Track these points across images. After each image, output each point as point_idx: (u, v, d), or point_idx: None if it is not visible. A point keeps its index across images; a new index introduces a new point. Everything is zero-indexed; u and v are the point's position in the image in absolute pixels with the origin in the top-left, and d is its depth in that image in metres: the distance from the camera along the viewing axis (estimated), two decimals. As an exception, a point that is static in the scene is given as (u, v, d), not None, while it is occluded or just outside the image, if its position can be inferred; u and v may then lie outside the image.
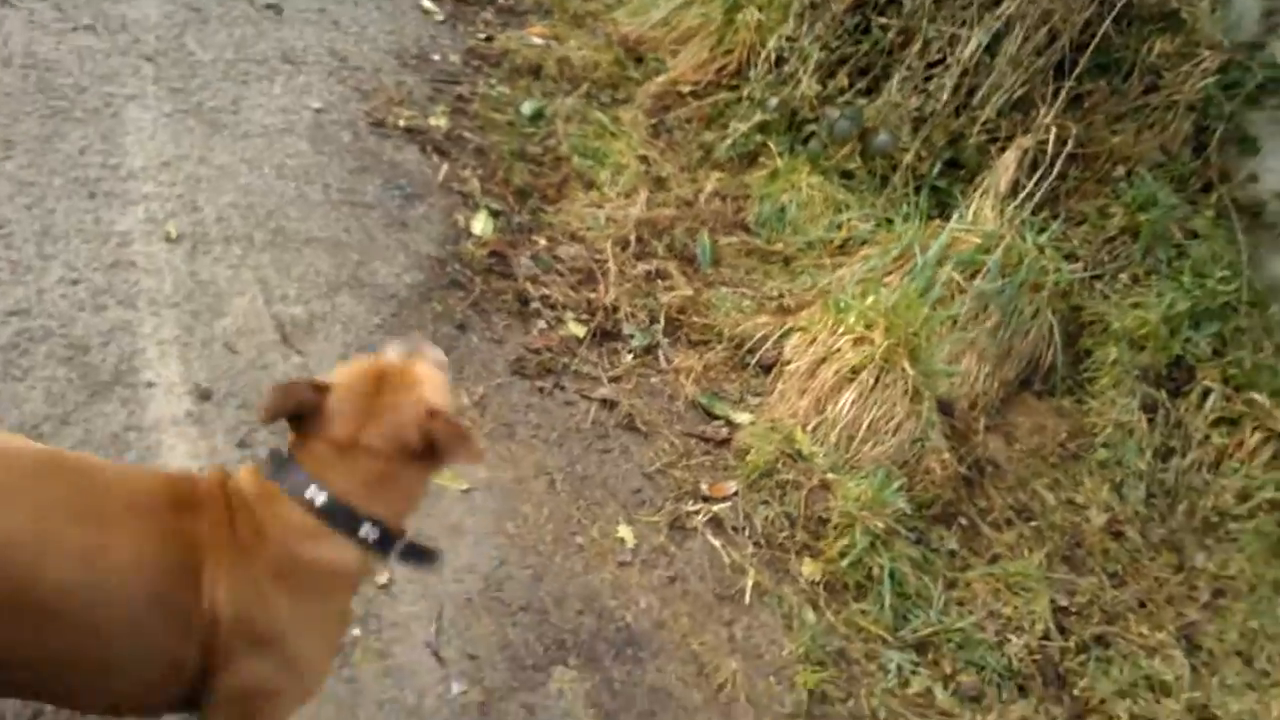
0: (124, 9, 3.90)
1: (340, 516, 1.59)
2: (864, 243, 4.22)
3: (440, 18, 4.96)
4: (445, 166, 3.99)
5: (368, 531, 1.61)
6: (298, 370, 2.92)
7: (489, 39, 4.94)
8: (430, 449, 1.63)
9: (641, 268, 3.93)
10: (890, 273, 4.01)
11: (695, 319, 3.77)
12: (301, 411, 1.63)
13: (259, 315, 3.03)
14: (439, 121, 4.22)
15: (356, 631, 2.43)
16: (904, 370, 3.48)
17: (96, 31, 3.73)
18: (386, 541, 1.63)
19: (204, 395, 2.72)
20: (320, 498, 1.58)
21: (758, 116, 4.66)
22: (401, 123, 4.11)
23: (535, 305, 3.59)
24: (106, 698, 1.59)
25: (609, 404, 3.33)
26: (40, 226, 2.91)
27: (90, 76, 3.54)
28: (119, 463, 1.90)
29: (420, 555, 1.72)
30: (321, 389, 1.63)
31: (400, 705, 2.34)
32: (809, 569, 3.03)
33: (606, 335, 3.59)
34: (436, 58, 4.64)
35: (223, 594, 1.51)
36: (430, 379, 1.71)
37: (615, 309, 3.69)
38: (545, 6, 5.36)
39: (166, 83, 3.70)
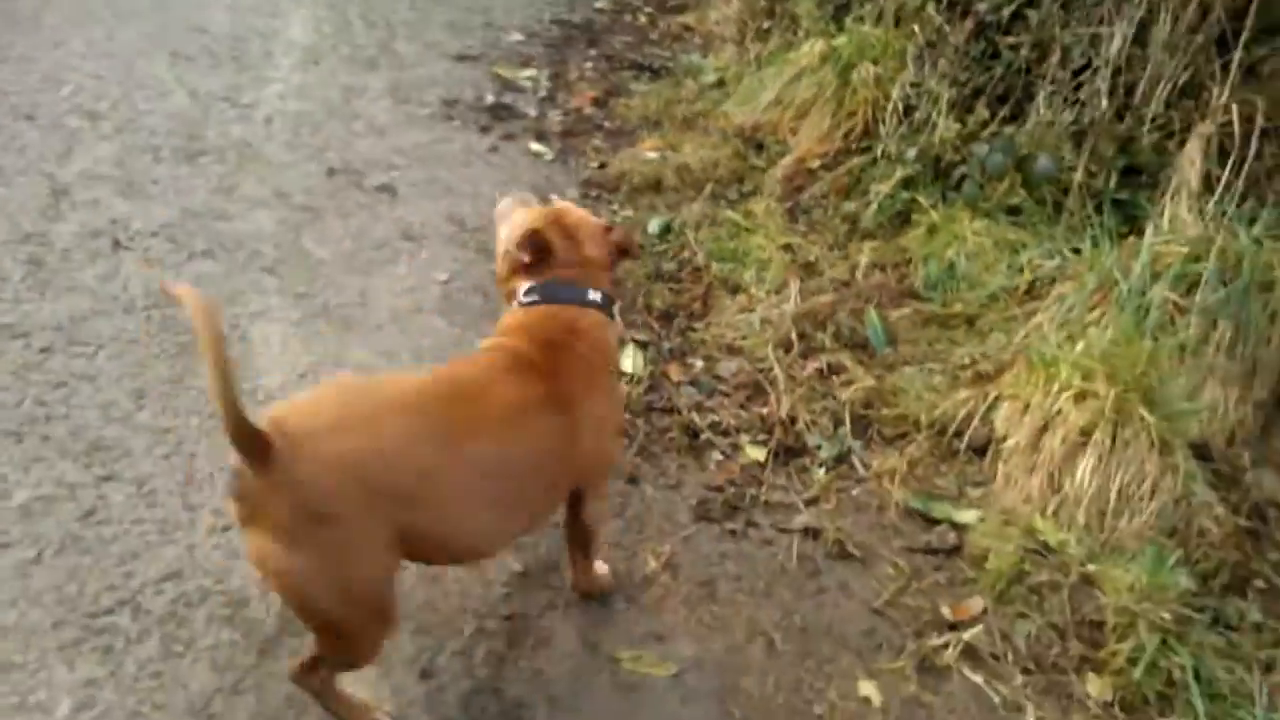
0: (237, 225, 3.87)
1: (605, 303, 2.34)
2: (1053, 281, 3.73)
3: (550, 157, 4.81)
4: (582, 308, 3.75)
5: (611, 309, 2.38)
6: (468, 574, 2.65)
7: (602, 165, 4.75)
8: (617, 249, 2.45)
9: (811, 366, 3.56)
10: (1094, 308, 3.50)
11: (885, 411, 3.36)
12: (540, 254, 2.31)
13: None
14: (567, 263, 4.00)
15: None
16: (1142, 420, 2.96)
17: (214, 255, 3.69)
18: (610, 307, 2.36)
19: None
20: (597, 296, 2.33)
21: (899, 173, 4.28)
22: (529, 273, 3.91)
23: (706, 436, 3.26)
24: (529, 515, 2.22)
25: (812, 533, 2.93)
26: (182, 475, 2.77)
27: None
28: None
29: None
30: (542, 234, 2.31)
31: None
32: (1096, 688, 2.52)
33: (790, 452, 3.22)
34: (554, 197, 4.45)
35: (583, 411, 2.17)
36: (579, 211, 2.45)
37: (793, 420, 3.32)
38: (653, 119, 5.16)
39: (290, 291, 3.61)
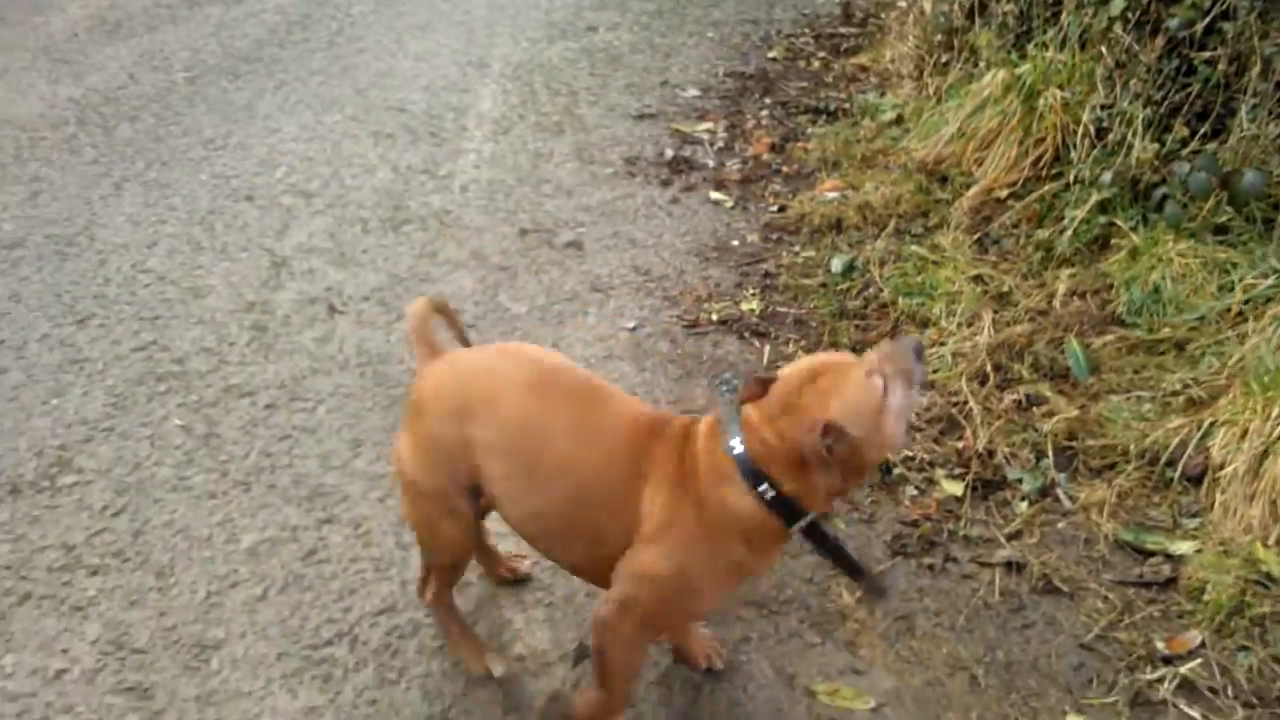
0: (440, 287, 4.10)
1: (745, 468, 1.90)
2: (1268, 301, 3.49)
3: (730, 204, 4.89)
4: (767, 348, 3.78)
5: (765, 489, 1.89)
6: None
7: (782, 209, 4.78)
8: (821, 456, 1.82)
9: (1009, 399, 3.44)
10: (1314, 325, 3.27)
11: (1090, 442, 3.21)
12: (753, 398, 1.95)
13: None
14: (751, 305, 4.04)
15: None
16: (1374, 439, 2.73)
17: (420, 316, 3.92)
18: (787, 508, 1.90)
19: (583, 652, 2.55)
20: (737, 449, 1.91)
21: (1094, 197, 4.12)
22: (714, 317, 3.97)
23: (899, 471, 3.20)
24: (582, 559, 2.15)
25: (1015, 567, 2.83)
26: (394, 518, 2.94)
27: (422, 359, 3.68)
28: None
29: (824, 541, 2.02)
30: (768, 382, 1.95)
31: None
32: (1333, 725, 2.32)
33: (989, 486, 3.12)
34: (735, 243, 4.53)
35: (654, 504, 1.99)
36: (853, 390, 1.84)
37: (991, 454, 3.22)
38: (831, 160, 5.17)
39: (489, 342, 3.78)
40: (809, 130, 5.60)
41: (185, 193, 4.62)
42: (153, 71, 5.77)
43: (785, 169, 5.21)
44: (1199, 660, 2.48)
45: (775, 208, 4.82)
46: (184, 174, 4.78)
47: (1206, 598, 2.62)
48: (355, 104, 5.68)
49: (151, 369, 3.49)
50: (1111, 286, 3.87)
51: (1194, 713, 2.37)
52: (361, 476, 3.11)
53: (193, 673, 2.45)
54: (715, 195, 4.97)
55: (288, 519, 2.93)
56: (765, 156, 5.34)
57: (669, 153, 5.39)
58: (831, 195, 4.79)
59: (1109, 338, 3.65)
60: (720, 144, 5.51)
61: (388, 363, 3.64)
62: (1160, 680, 2.44)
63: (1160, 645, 2.54)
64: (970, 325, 3.79)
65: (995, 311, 3.84)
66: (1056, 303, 3.87)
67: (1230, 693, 2.41)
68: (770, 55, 6.87)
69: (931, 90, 5.52)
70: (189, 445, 3.17)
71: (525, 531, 2.20)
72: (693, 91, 6.22)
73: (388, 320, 3.87)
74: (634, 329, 3.92)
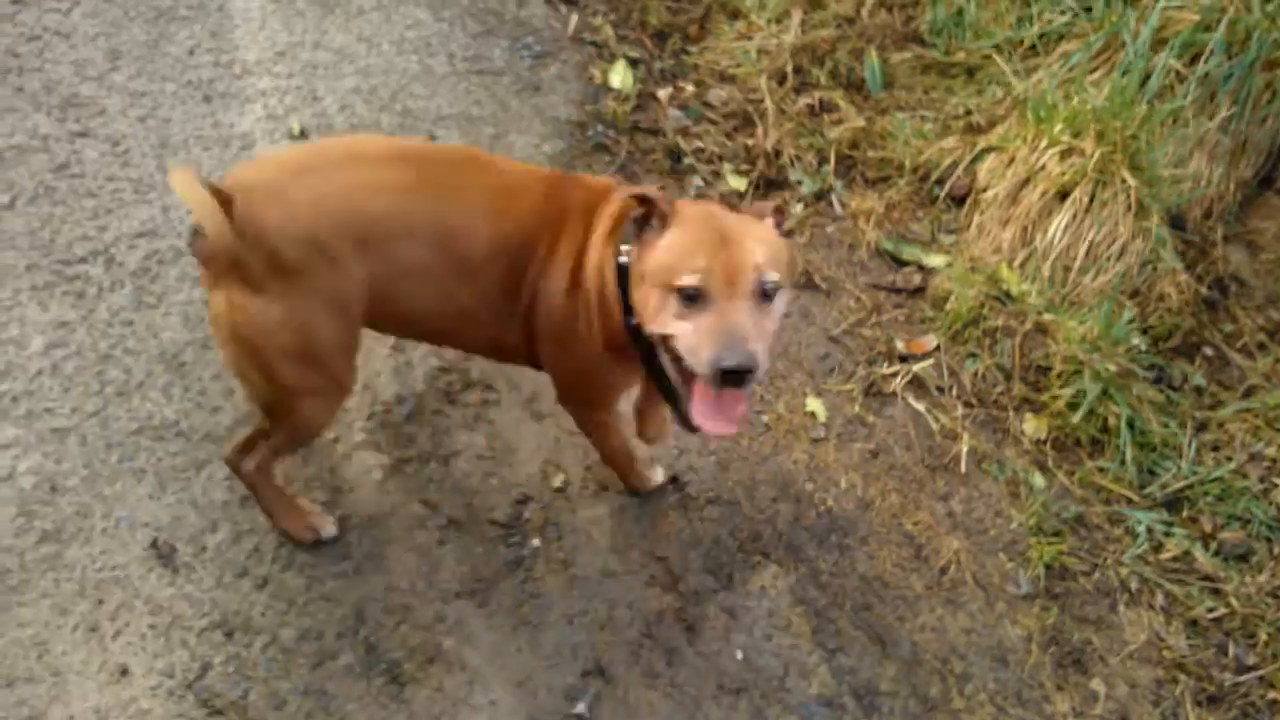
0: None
1: (623, 273, 1.89)
2: (1060, 38, 3.62)
3: None
4: (574, 17, 3.62)
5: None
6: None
7: None
8: None
9: (803, 102, 3.49)
10: (1095, 69, 3.42)
11: (870, 153, 3.33)
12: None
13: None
14: (562, -33, 3.83)
15: (536, 542, 2.25)
16: (1124, 182, 2.97)
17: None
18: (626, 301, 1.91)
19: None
20: (624, 259, 1.88)
21: (918, -93, 4.05)
22: (523, -25, 3.74)
23: (689, 160, 3.23)
24: (472, 342, 2.11)
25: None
26: (157, 139, 2.73)
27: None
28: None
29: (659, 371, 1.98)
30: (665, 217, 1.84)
31: (592, 618, 2.15)
32: (1032, 427, 2.65)
33: (771, 185, 3.22)
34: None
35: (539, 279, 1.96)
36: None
37: (778, 153, 3.29)
38: None
39: None
40: None
41: None
42: None
43: None
44: (931, 362, 2.74)
45: None
46: None
47: (948, 307, 2.86)
48: None
49: None
50: (919, 2, 3.89)
51: (920, 406, 2.65)
52: (120, 91, 2.84)
53: (-78, 278, 2.28)
54: None
55: (37, 127, 2.67)
56: None
57: None
58: None
59: (907, 55, 3.71)
60: None
61: (154, -34, 3.25)
62: (895, 375, 2.70)
63: (900, 345, 2.79)
64: (779, 23, 3.75)
65: (805, 13, 3.80)
66: (864, 12, 3.86)
67: (954, 392, 2.69)
68: None
69: None
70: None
71: (435, 328, 2.07)
72: None
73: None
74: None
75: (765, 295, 1.77)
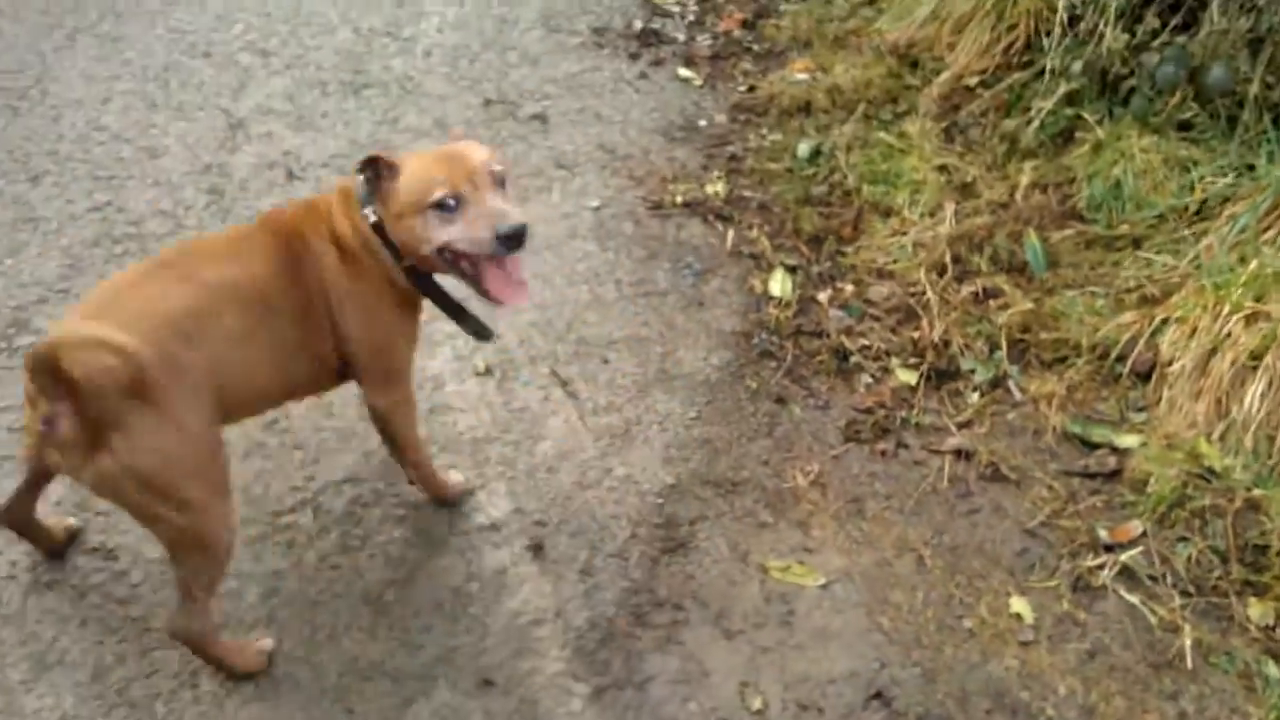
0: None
1: (379, 231, 2.24)
2: (1225, 200, 3.54)
3: (699, 82, 4.80)
4: (731, 232, 3.77)
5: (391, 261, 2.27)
6: (623, 483, 2.76)
7: (751, 89, 4.71)
8: None
9: (966, 290, 3.49)
10: (1267, 228, 3.32)
11: (1043, 335, 3.28)
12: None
13: (576, 433, 2.91)
14: (716, 188, 4.02)
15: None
16: (1317, 342, 2.82)
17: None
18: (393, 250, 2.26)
19: (540, 526, 2.61)
20: (371, 218, 2.24)
21: (1063, 88, 4.10)
22: (679, 199, 3.95)
23: (856, 359, 3.26)
24: (307, 373, 2.32)
25: (964, 455, 2.91)
26: (356, 389, 2.94)
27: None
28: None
29: (441, 296, 2.38)
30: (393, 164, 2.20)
31: None
32: (1258, 612, 2.45)
33: (943, 376, 3.19)
34: (703, 123, 4.47)
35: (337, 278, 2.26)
36: (421, 174, 2.19)
37: (946, 344, 3.28)
38: (803, 40, 5.07)
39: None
40: (782, 7, 5.48)
41: (140, 47, 4.44)
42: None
43: (756, 47, 5.12)
44: (1140, 549, 2.59)
45: (744, 87, 4.74)
46: (139, 28, 4.58)
47: (1150, 490, 2.73)
48: (313, -42, 5.45)
49: (107, 230, 3.41)
50: (1074, 180, 3.89)
51: (1133, 599, 2.50)
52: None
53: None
54: (684, 72, 4.88)
55: (249, 388, 2.92)
56: (736, 33, 5.23)
57: (638, 24, 5.26)
58: (802, 76, 4.72)
59: (1068, 232, 3.69)
60: (691, 18, 5.38)
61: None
62: (1101, 567, 2.56)
63: (1103, 534, 2.66)
64: (932, 215, 3.81)
65: (958, 202, 3.86)
66: (1018, 195, 3.88)
67: (1169, 581, 2.53)
68: (745, -74, 6.67)
69: (908, -30, 5.41)
70: (146, 310, 3.13)
71: (278, 380, 2.29)
72: (663, -39, 6.03)
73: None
74: (598, 208, 3.89)
75: (500, 183, 2.20)
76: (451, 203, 2.13)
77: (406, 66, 4.65)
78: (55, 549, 2.44)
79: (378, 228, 2.23)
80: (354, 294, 2.27)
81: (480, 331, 2.43)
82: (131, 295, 2.06)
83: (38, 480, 2.30)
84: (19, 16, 4.56)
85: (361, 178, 2.24)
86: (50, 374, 1.83)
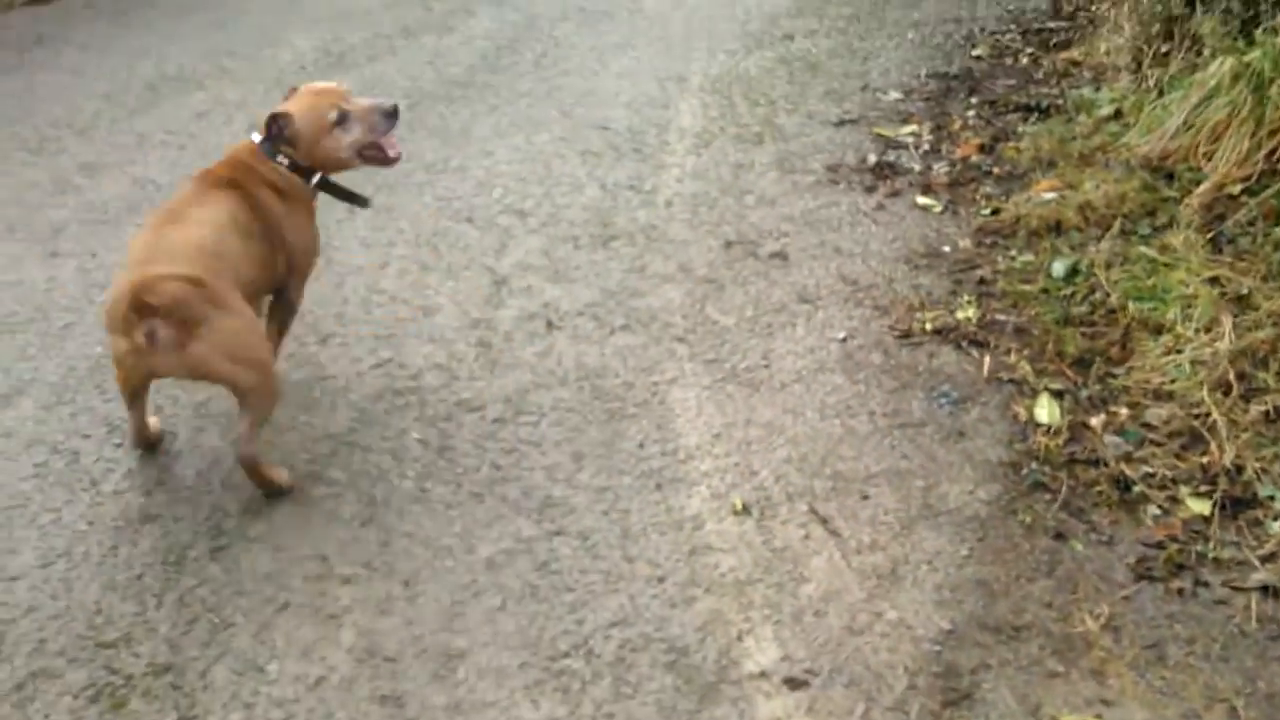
0: (649, 300, 4.17)
1: (296, 168, 3.33)
2: None
3: (939, 208, 4.78)
4: (988, 358, 3.67)
5: (281, 160, 3.31)
6: (895, 628, 2.66)
7: (995, 212, 4.64)
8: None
9: (1255, 410, 3.24)
10: None
11: (1354, 456, 2.98)
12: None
13: (840, 573, 2.85)
14: (967, 313, 3.93)
15: None
16: None
17: (631, 329, 4.00)
18: (306, 173, 3.34)
19: (811, 675, 2.55)
20: (285, 161, 3.30)
21: (1342, 191, 3.82)
22: (928, 326, 3.89)
23: (1139, 489, 3.05)
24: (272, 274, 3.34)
25: (1272, 591, 2.65)
26: (620, 529, 3.01)
27: (634, 371, 3.76)
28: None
29: (331, 186, 3.44)
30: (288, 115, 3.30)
31: None
32: None
33: (1239, 504, 2.94)
34: (947, 249, 4.42)
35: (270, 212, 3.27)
36: (311, 106, 3.33)
37: (1240, 469, 3.03)
38: (1046, 159, 4.97)
39: (700, 357, 3.83)
40: (1020, 129, 5.41)
41: (411, 215, 4.87)
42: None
43: (996, 170, 5.05)
44: None
45: (988, 211, 4.67)
46: (409, 197, 5.03)
47: None
48: (562, 124, 5.85)
49: (389, 385, 3.69)
50: (1368, 287, 3.58)
51: None
52: (585, 489, 3.20)
53: (441, 681, 2.58)
54: (922, 200, 4.87)
55: (520, 530, 3.05)
56: (974, 158, 5.19)
57: (872, 158, 5.31)
58: (1048, 196, 4.61)
59: (1370, 343, 3.38)
60: (926, 147, 5.39)
61: (604, 377, 3.73)
62: None
63: None
64: (1209, 331, 3.58)
65: (1235, 315, 3.61)
66: (1305, 305, 3.60)
67: None
68: (974, 54, 6.68)
69: (1152, 82, 5.25)
70: (426, 458, 3.34)
71: (263, 279, 3.31)
72: (894, 95, 6.11)
73: (602, 335, 3.97)
74: (844, 340, 3.88)
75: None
76: (342, 115, 3.27)
77: (650, 216, 4.86)
78: (154, 445, 3.39)
79: (292, 166, 3.28)
80: (289, 215, 3.29)
81: (361, 200, 3.54)
82: (162, 244, 2.97)
83: (138, 398, 3.19)
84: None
85: (259, 138, 3.28)
86: (139, 307, 2.75)
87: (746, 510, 3.11)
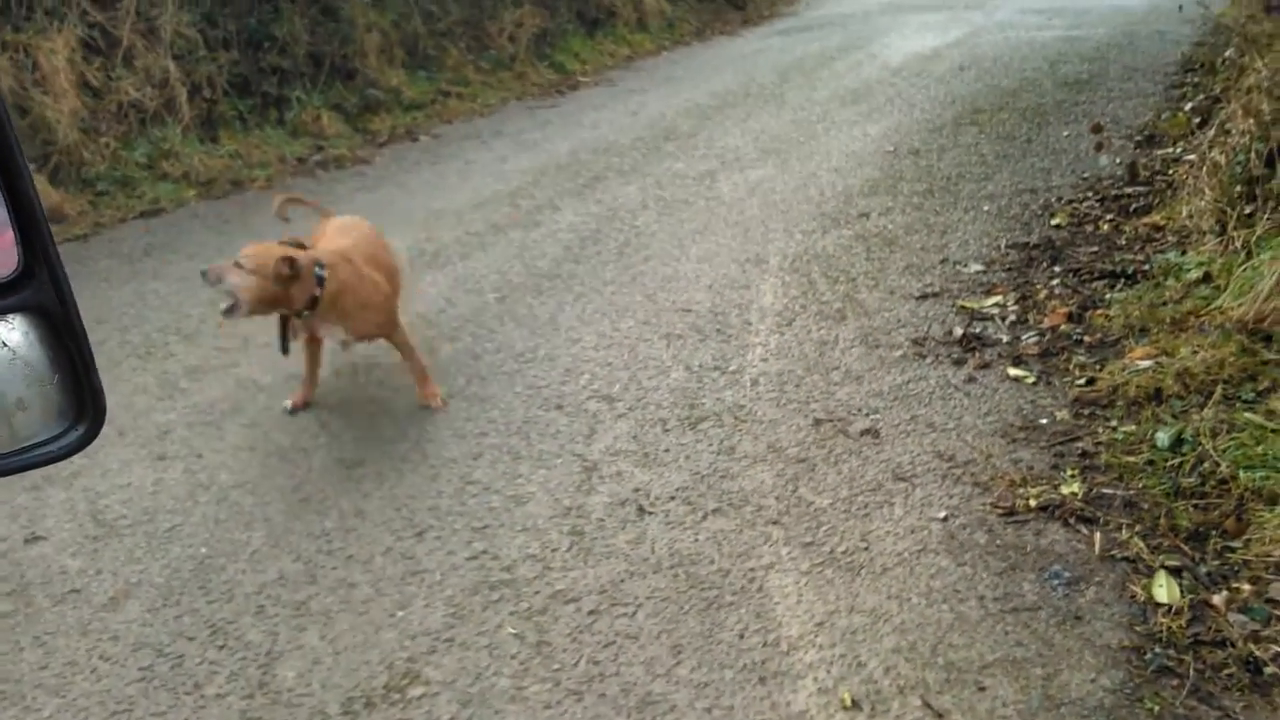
0: (741, 482, 4.15)
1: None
2: None
3: (1032, 379, 4.72)
4: (1098, 535, 3.54)
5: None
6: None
7: (1091, 382, 4.57)
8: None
9: (1395, 582, 3.05)
10: None
11: None
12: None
13: (959, 772, 2.70)
14: (1072, 488, 3.83)
15: None
16: None
17: (724, 513, 3.97)
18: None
19: None
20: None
21: None
22: (1032, 503, 3.79)
23: (1271, 670, 2.87)
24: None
25: None
26: (724, 728, 2.91)
27: (729, 557, 3.71)
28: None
29: None
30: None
31: None
32: None
33: (1392, 687, 2.74)
34: (1044, 421, 4.35)
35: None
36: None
37: (1385, 648, 2.84)
38: (1137, 325, 4.92)
39: (796, 541, 3.76)
40: (1107, 296, 5.38)
41: (502, 405, 4.97)
42: (467, 294, 6.32)
43: (1087, 338, 5.00)
44: None
45: (1082, 380, 4.60)
46: (499, 387, 5.15)
47: None
48: (646, 309, 5.99)
49: (484, 578, 3.69)
50: None
51: None
52: (686, 684, 3.12)
53: None
54: (1014, 371, 4.82)
55: (622, 731, 2.96)
56: (1063, 327, 5.15)
57: (958, 330, 5.31)
58: (1144, 363, 4.54)
59: None
60: (1012, 317, 5.38)
61: (698, 563, 3.68)
62: None
63: None
64: (1334, 499, 3.42)
65: (1360, 481, 3.45)
66: None
67: None
68: (1054, 223, 6.73)
69: (1239, 244, 5.21)
70: (523, 654, 3.30)
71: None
72: (975, 267, 6.15)
73: (695, 519, 3.94)
74: (945, 519, 3.79)
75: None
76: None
77: (737, 397, 4.89)
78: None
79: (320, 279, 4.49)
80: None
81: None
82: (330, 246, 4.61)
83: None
84: (400, 387, 5.25)
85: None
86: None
87: (857, 705, 2.98)
